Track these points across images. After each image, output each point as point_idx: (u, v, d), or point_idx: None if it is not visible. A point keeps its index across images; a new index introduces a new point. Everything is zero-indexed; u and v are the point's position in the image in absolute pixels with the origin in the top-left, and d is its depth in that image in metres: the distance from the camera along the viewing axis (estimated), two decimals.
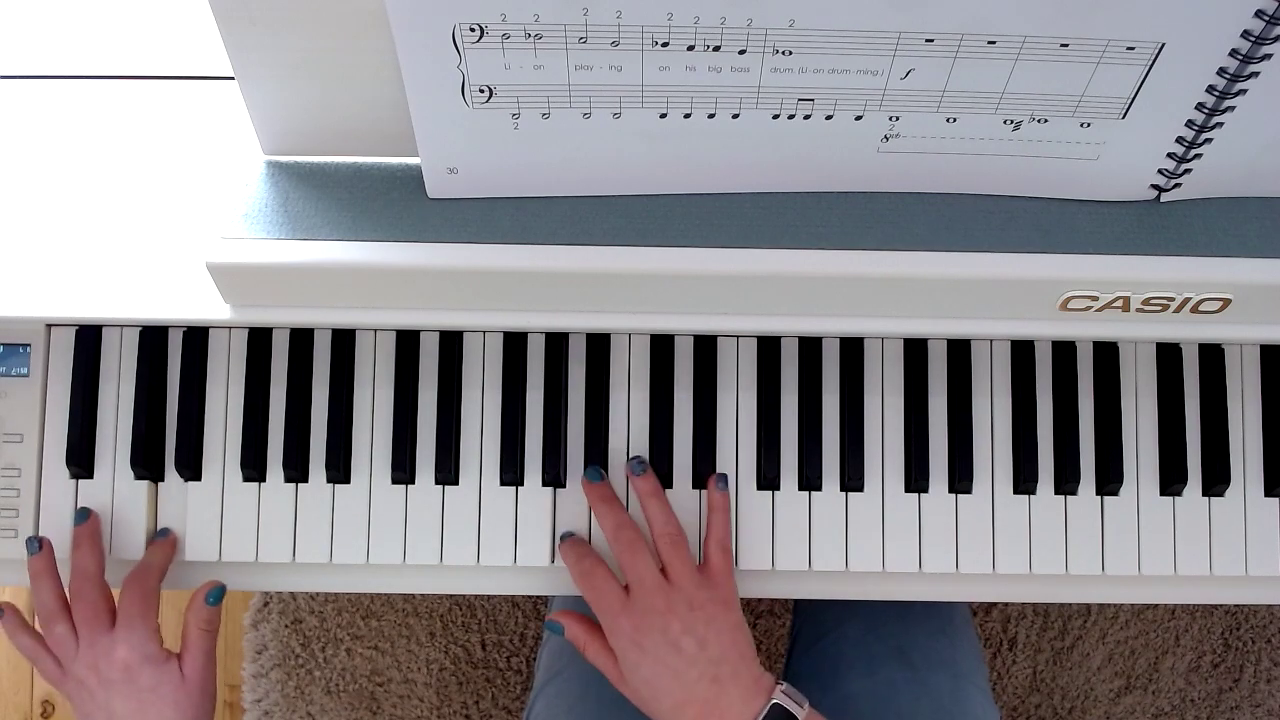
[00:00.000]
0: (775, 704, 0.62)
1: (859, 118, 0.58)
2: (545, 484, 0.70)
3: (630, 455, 0.70)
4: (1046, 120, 0.58)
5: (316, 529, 0.70)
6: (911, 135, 0.59)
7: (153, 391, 0.69)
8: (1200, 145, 0.59)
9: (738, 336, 0.71)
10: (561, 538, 0.70)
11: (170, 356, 0.70)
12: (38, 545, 0.67)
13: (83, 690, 0.65)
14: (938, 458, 0.70)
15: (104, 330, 0.70)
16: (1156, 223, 0.63)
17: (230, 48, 0.57)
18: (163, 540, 0.69)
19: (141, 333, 0.70)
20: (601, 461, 0.69)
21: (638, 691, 0.65)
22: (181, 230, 0.67)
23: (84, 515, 0.68)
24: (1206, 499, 0.71)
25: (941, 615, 0.84)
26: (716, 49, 0.53)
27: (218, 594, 0.68)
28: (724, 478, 0.69)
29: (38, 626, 0.68)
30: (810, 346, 0.70)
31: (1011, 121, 0.58)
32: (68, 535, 0.69)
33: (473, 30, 0.52)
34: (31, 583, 0.67)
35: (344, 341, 0.70)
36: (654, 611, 0.64)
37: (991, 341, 0.71)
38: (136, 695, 0.65)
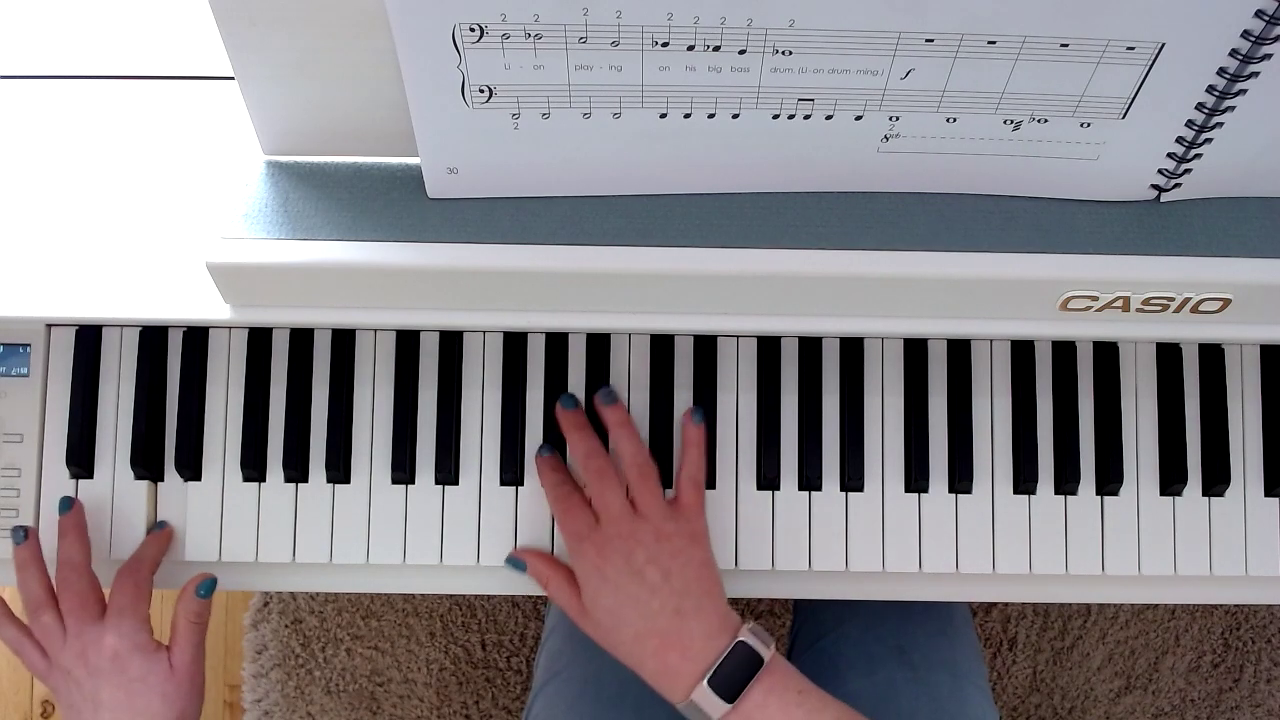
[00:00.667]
0: (741, 642, 0.61)
1: (859, 118, 0.58)
2: None
3: (599, 389, 0.69)
4: (1046, 120, 0.58)
5: (316, 529, 0.70)
6: (911, 135, 0.59)
7: (153, 391, 0.69)
8: (1200, 145, 0.59)
9: (738, 336, 0.71)
10: (539, 451, 0.69)
11: (170, 356, 0.70)
12: (23, 535, 0.66)
13: (69, 680, 0.65)
14: (938, 458, 0.70)
15: (104, 330, 0.70)
16: (1156, 223, 0.63)
17: (230, 48, 0.57)
18: (158, 533, 0.69)
19: (141, 333, 0.70)
20: None
21: (599, 622, 0.64)
22: (181, 230, 0.67)
23: (67, 504, 0.67)
24: (1206, 499, 0.71)
25: (941, 615, 0.84)
26: (716, 49, 0.53)
27: (209, 586, 0.67)
28: (699, 410, 0.68)
29: (23, 617, 0.67)
30: (810, 346, 0.70)
31: (1011, 121, 0.58)
32: None
33: (473, 30, 0.52)
34: (17, 573, 0.66)
35: (344, 341, 0.70)
36: (619, 537, 0.63)
37: (991, 341, 0.71)
38: (125, 685, 0.64)
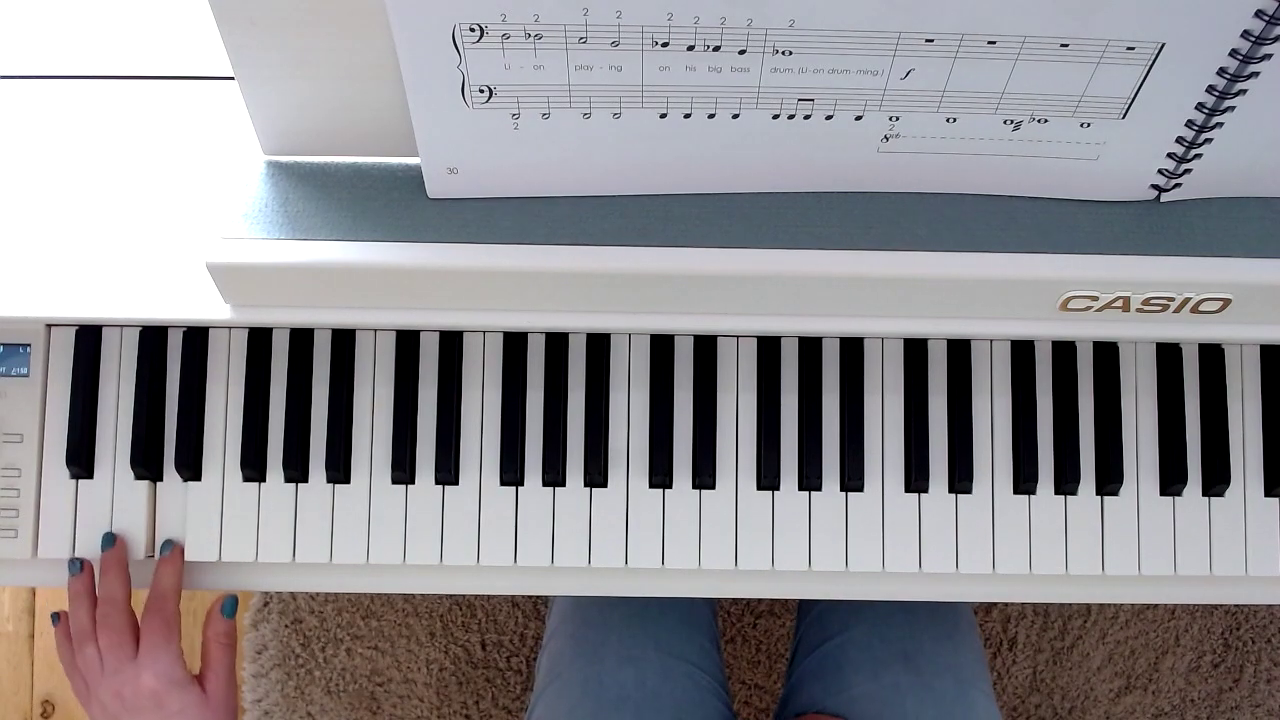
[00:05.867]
0: None
1: (859, 118, 0.58)
2: (545, 484, 0.70)
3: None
4: (1046, 120, 0.58)
5: (316, 529, 0.70)
6: (911, 135, 0.59)
7: (153, 391, 0.69)
8: (1200, 145, 0.59)
9: (738, 336, 0.71)
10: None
11: (170, 356, 0.70)
12: (79, 567, 0.68)
13: (106, 714, 0.67)
14: (938, 458, 0.70)
15: (104, 330, 0.70)
16: (1156, 223, 0.63)
17: (230, 48, 0.57)
18: (171, 558, 0.69)
19: (141, 333, 0.70)
20: (601, 461, 0.69)
21: None
22: (181, 230, 0.67)
23: (110, 540, 0.68)
24: (1206, 499, 0.71)
25: (947, 620, 0.84)
26: (716, 49, 0.53)
27: (231, 606, 0.70)
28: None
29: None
30: (810, 346, 0.70)
31: (1011, 122, 0.58)
32: (67, 540, 0.69)
33: (473, 30, 0.52)
34: (70, 604, 0.68)
35: (344, 341, 0.70)
36: None
37: (991, 341, 0.71)
38: (164, 719, 0.66)
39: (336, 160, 0.64)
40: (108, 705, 0.67)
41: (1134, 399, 0.71)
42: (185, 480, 0.70)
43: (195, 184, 0.69)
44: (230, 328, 0.70)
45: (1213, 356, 0.71)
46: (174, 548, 0.69)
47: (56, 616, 0.70)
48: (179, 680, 0.67)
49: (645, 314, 0.66)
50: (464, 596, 1.38)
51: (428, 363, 0.70)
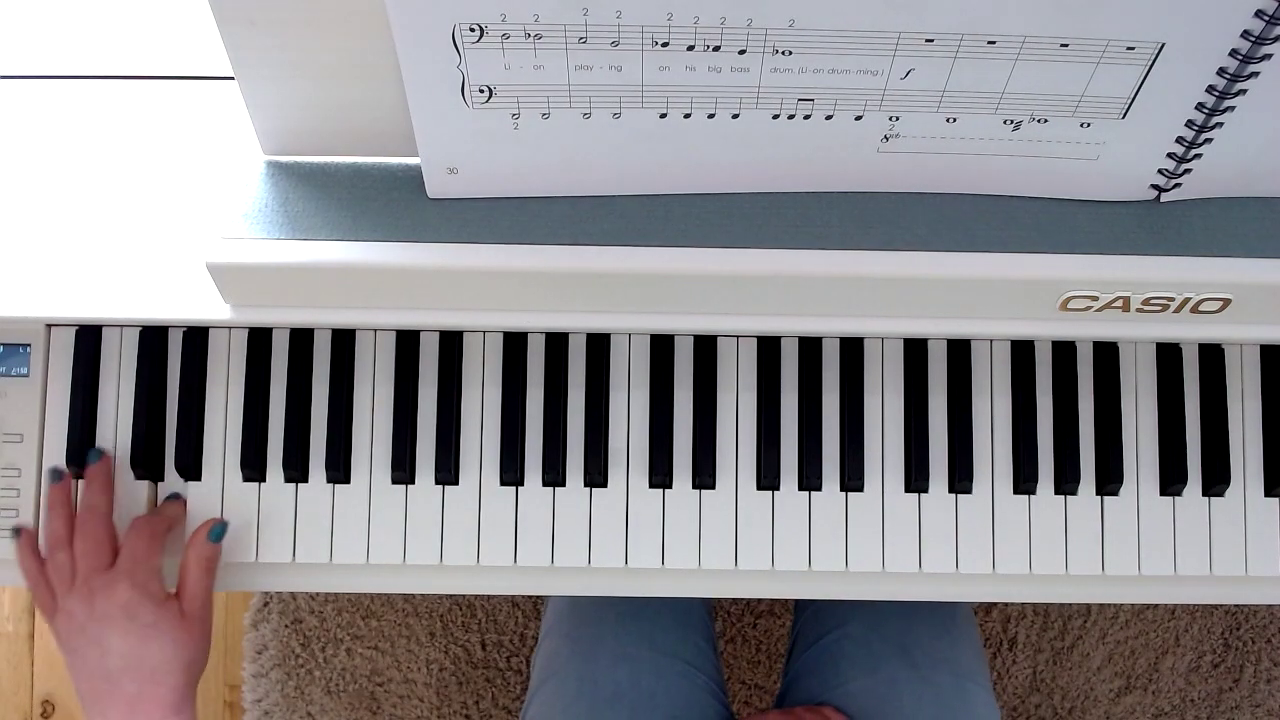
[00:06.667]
0: None
1: (859, 118, 0.58)
2: (545, 484, 0.70)
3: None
4: (1046, 120, 0.58)
5: (316, 529, 0.70)
6: (911, 135, 0.59)
7: (153, 391, 0.69)
8: (1200, 145, 0.59)
9: (738, 336, 0.71)
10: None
11: (170, 356, 0.70)
12: (59, 476, 0.67)
13: (72, 623, 0.65)
14: (938, 458, 0.70)
15: (104, 330, 0.70)
16: (1156, 223, 0.63)
17: (230, 48, 0.57)
18: (177, 501, 0.69)
19: (141, 333, 0.70)
20: (601, 461, 0.69)
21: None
22: (181, 230, 0.67)
23: (98, 454, 0.68)
24: (1206, 499, 0.71)
25: (944, 614, 0.84)
26: (716, 49, 0.53)
27: (219, 531, 0.68)
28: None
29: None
30: (810, 346, 0.70)
31: (1011, 122, 0.58)
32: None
33: (473, 30, 0.52)
34: (46, 511, 0.67)
35: (344, 341, 0.70)
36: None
37: (991, 341, 0.71)
38: (136, 631, 0.64)
39: (336, 160, 0.64)
40: (74, 614, 0.64)
41: (1134, 399, 0.71)
42: (185, 480, 0.70)
43: (195, 184, 0.69)
44: (230, 328, 0.70)
45: (1213, 356, 0.71)
46: (180, 499, 0.69)
47: (18, 531, 0.67)
48: (155, 594, 0.65)
49: (645, 314, 0.66)
50: (464, 596, 1.38)
51: (428, 363, 0.70)
